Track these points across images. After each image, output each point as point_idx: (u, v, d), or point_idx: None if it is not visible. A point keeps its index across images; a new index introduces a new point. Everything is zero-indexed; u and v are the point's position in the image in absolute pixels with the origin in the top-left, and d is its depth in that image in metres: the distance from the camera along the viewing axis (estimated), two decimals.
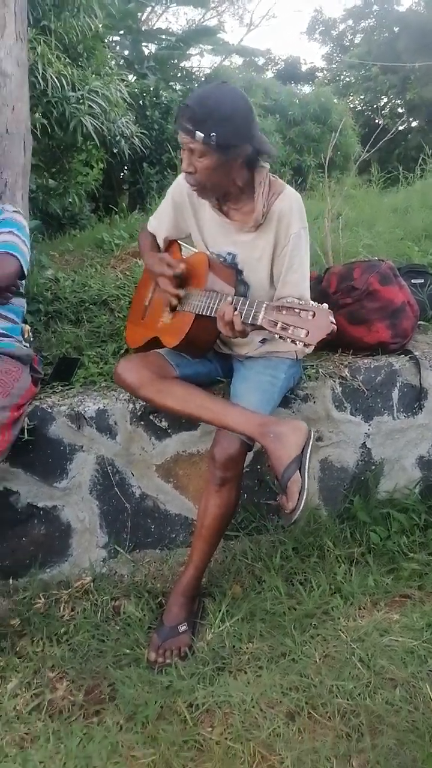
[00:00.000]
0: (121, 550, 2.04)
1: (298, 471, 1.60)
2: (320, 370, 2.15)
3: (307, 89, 12.43)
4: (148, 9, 9.32)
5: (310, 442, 1.66)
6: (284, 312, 1.44)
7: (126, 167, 6.31)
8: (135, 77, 7.06)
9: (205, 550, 1.78)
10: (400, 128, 13.31)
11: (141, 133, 5.28)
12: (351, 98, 14.80)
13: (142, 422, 1.99)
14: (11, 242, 1.94)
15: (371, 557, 2.03)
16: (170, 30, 9.86)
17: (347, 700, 1.52)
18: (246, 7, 15.99)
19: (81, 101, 4.07)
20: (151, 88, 6.49)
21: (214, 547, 1.81)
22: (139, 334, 2.02)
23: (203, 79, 8.15)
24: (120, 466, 2.01)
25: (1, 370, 1.80)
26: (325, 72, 17.68)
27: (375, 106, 14.70)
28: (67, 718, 1.53)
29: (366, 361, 2.20)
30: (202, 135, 1.56)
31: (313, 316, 1.39)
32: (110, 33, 6.55)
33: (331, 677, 1.58)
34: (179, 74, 7.99)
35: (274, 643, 1.71)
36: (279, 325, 1.44)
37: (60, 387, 2.08)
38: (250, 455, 1.91)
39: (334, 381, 2.12)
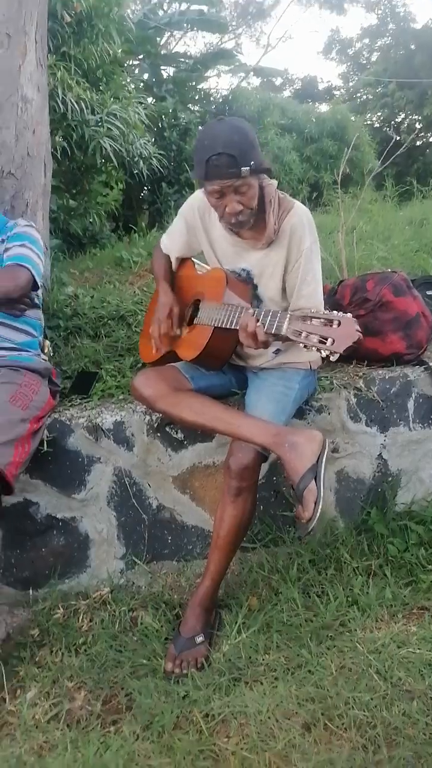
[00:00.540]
0: (139, 562, 2.06)
1: (313, 480, 1.61)
2: (335, 381, 2.16)
3: (324, 108, 12.53)
4: (167, 34, 9.53)
5: (326, 452, 1.67)
6: (309, 322, 1.45)
7: (145, 187, 6.42)
8: (154, 100, 7.21)
9: (221, 560, 1.79)
10: (418, 143, 13.36)
11: (159, 153, 5.38)
12: (368, 115, 14.88)
13: (159, 434, 2.02)
14: (23, 254, 1.98)
15: (389, 569, 2.01)
16: (188, 53, 10.06)
17: (364, 711, 1.51)
18: (263, 29, 16.21)
19: (100, 124, 4.18)
20: (170, 110, 6.63)
21: (230, 557, 1.81)
22: (152, 348, 2.06)
23: (220, 100, 8.28)
24: (137, 477, 2.04)
25: (21, 384, 1.84)
26: (342, 90, 17.80)
27: (392, 122, 14.75)
28: (84, 727, 1.55)
29: (381, 371, 2.21)
30: (247, 168, 1.61)
31: (339, 324, 1.41)
32: (130, 57, 6.70)
33: (347, 689, 1.57)
34: (197, 96, 8.13)
35: (290, 654, 1.71)
36: (304, 334, 1.45)
37: (78, 400, 2.12)
38: (265, 466, 1.92)
39: (349, 392, 2.13)
